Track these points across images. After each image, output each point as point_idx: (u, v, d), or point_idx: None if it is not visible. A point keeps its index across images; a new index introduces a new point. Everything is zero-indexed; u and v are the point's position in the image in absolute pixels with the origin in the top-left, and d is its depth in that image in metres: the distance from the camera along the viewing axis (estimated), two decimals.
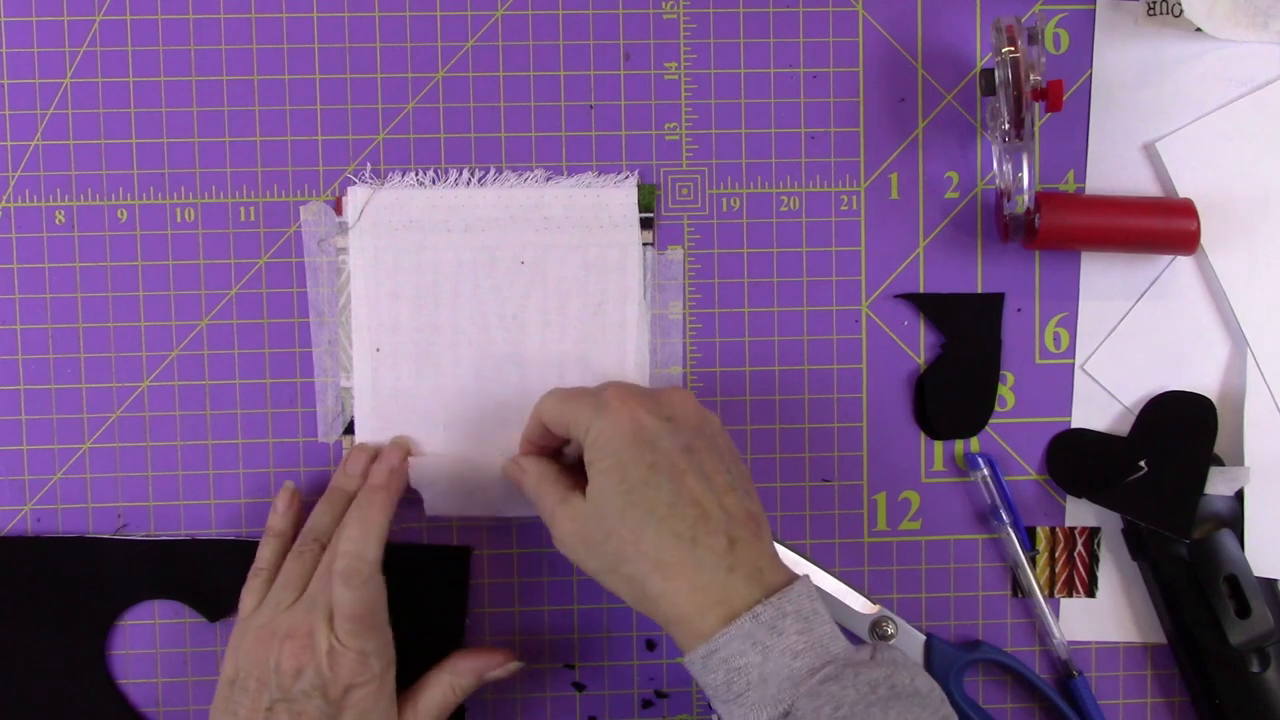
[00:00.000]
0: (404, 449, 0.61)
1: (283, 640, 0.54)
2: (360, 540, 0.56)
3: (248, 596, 0.58)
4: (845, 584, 0.62)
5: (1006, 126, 0.59)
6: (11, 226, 0.61)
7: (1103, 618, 0.64)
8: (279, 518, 0.60)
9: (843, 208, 0.63)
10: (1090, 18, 0.64)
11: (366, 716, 0.55)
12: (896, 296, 0.64)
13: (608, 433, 0.52)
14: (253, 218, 0.62)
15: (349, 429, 0.62)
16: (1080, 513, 0.64)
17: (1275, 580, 0.63)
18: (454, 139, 0.62)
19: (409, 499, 0.62)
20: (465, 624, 0.63)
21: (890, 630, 0.62)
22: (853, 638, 0.63)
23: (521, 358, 0.62)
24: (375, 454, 0.61)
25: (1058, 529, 0.64)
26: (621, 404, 0.52)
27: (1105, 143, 0.64)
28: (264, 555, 0.59)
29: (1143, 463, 0.62)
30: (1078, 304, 0.64)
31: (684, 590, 0.50)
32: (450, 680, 0.58)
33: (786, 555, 0.62)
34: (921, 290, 0.64)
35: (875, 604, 0.62)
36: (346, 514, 0.58)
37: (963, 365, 0.63)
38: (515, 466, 0.58)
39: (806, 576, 0.51)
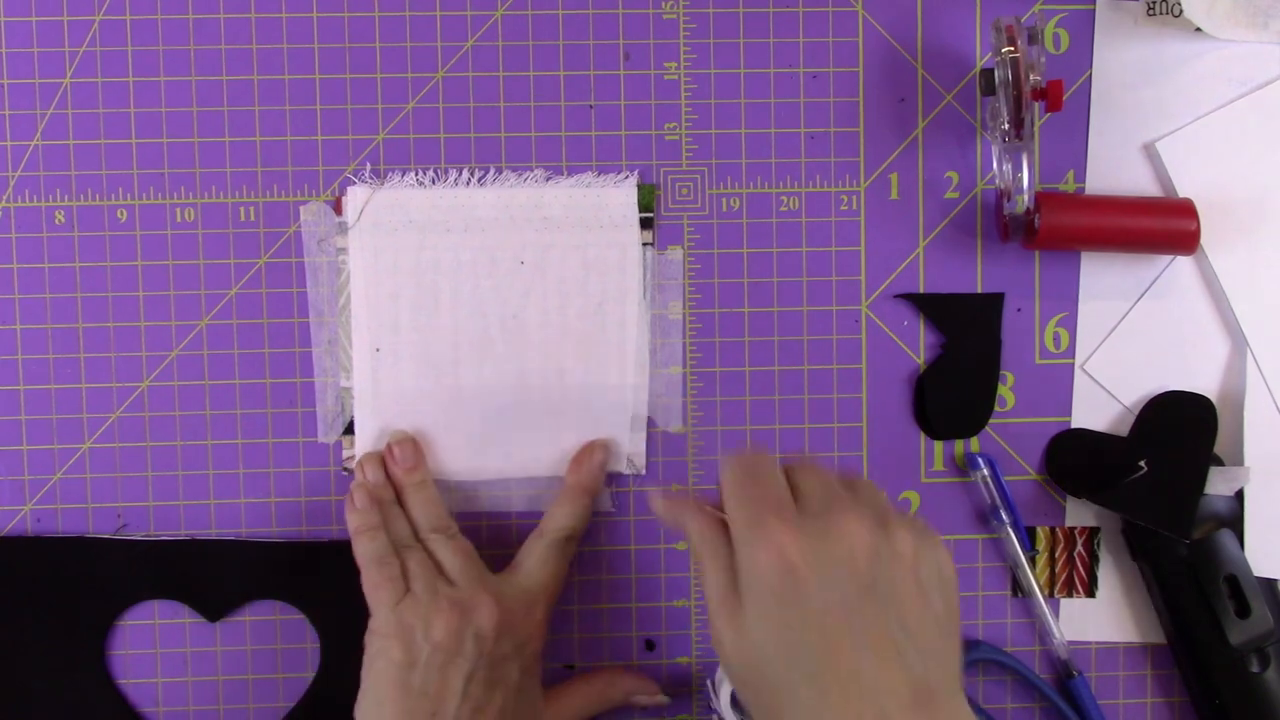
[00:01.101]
0: (411, 443, 0.61)
1: (477, 607, 0.54)
2: (576, 515, 0.60)
3: (390, 585, 0.56)
4: None
5: (1006, 126, 0.59)
6: (11, 226, 0.61)
7: (1103, 618, 0.64)
8: (367, 515, 0.58)
9: (843, 208, 0.63)
10: (1090, 18, 0.64)
11: (530, 691, 0.56)
12: (896, 296, 0.64)
13: (753, 569, 0.44)
14: (253, 218, 0.62)
15: (349, 429, 0.62)
16: (1080, 513, 0.64)
17: (1275, 580, 0.63)
18: (454, 139, 0.62)
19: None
20: None
21: None
22: None
23: (521, 358, 0.62)
24: (380, 456, 0.61)
25: (1058, 529, 0.64)
26: (769, 539, 0.44)
27: (1105, 143, 0.64)
28: (378, 548, 0.57)
29: (1143, 463, 0.62)
30: (1078, 304, 0.64)
31: None
32: (602, 689, 0.60)
33: None
34: (921, 290, 0.64)
35: None
36: (423, 504, 0.59)
37: (963, 365, 0.63)
38: (672, 510, 0.50)
39: (961, 700, 0.44)
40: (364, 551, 0.57)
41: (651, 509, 0.52)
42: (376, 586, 0.56)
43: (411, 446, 0.61)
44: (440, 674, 0.53)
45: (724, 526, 0.47)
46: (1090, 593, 0.64)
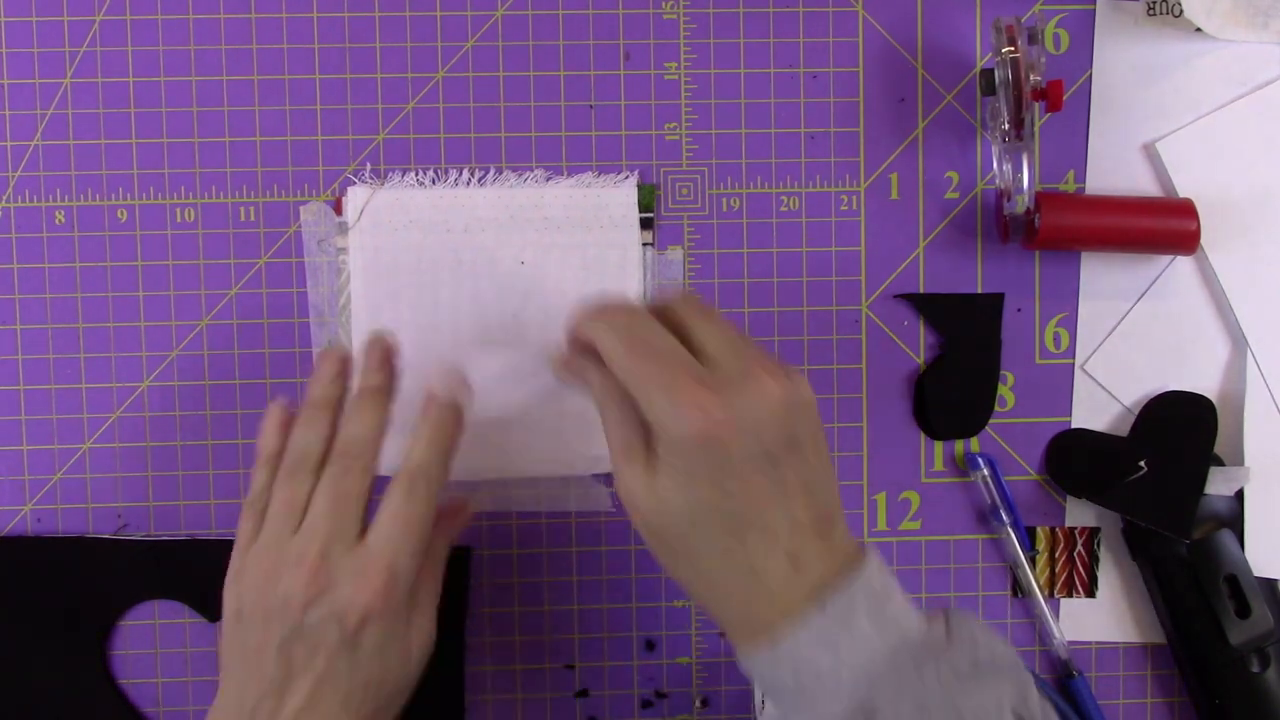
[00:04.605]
0: (384, 345, 0.56)
1: (292, 568, 0.50)
2: (427, 449, 0.52)
3: (244, 524, 0.53)
4: None
5: (1006, 126, 0.59)
6: (11, 226, 0.61)
7: (1103, 618, 0.64)
8: (273, 439, 0.54)
9: (843, 208, 0.63)
10: (1090, 18, 0.64)
11: (385, 649, 0.50)
12: (896, 296, 0.64)
13: (673, 433, 0.45)
14: (253, 218, 0.62)
15: None
16: (1080, 513, 0.64)
17: (1275, 580, 0.63)
18: (454, 139, 0.62)
19: None
20: (466, 624, 0.63)
21: None
22: None
23: (521, 358, 0.62)
24: (347, 356, 0.56)
25: (1058, 529, 0.64)
26: (695, 404, 0.45)
27: (1105, 143, 0.64)
28: (259, 481, 0.53)
29: (1143, 463, 0.62)
30: (1078, 304, 0.64)
31: (737, 606, 0.47)
32: (429, 553, 0.53)
33: None
34: (921, 290, 0.64)
35: None
36: (357, 413, 0.53)
37: (963, 365, 0.63)
38: (571, 375, 0.51)
39: (874, 552, 0.47)
40: (252, 481, 0.54)
41: (552, 371, 0.52)
42: (239, 523, 0.53)
43: (380, 352, 0.55)
44: (259, 633, 0.50)
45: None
46: (1090, 593, 0.64)
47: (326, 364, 0.55)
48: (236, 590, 0.52)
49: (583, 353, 0.51)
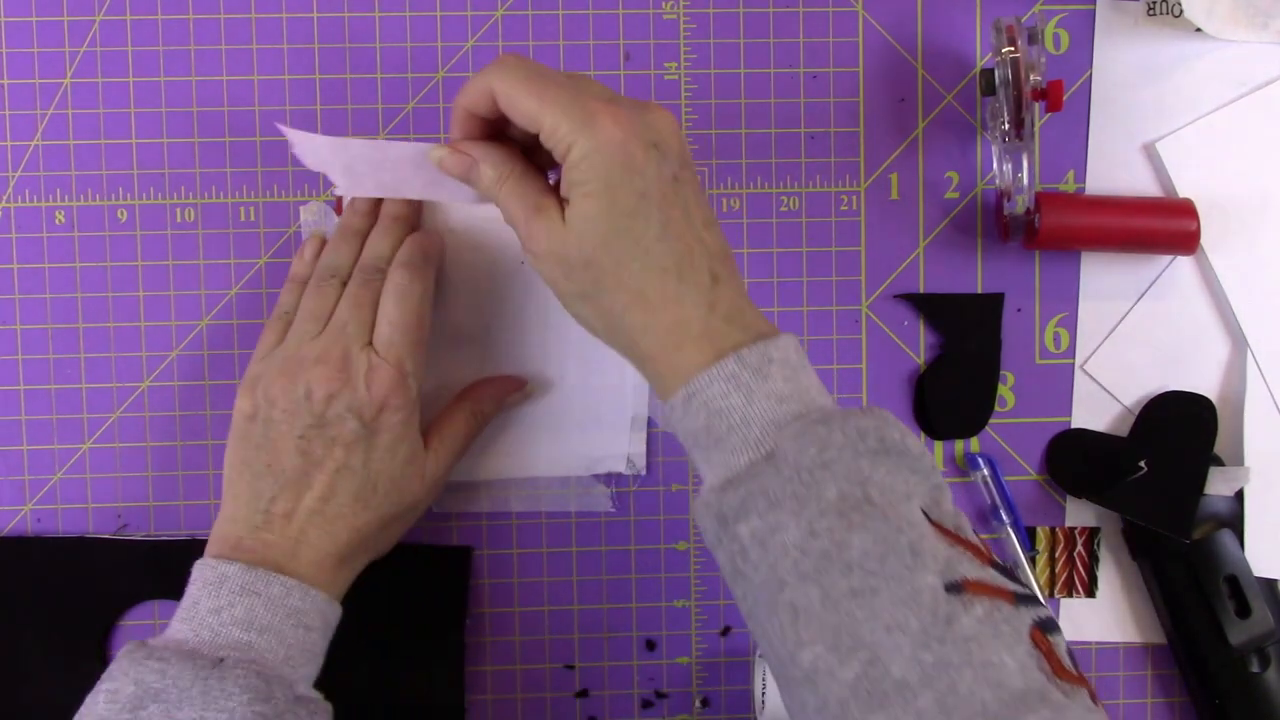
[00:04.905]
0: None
1: (313, 366, 0.53)
2: (411, 249, 0.56)
3: (268, 334, 0.57)
4: None
5: (1006, 126, 0.59)
6: (11, 226, 0.61)
7: (1103, 618, 0.64)
8: (305, 265, 0.59)
9: (843, 208, 0.63)
10: (1090, 18, 0.64)
11: (397, 445, 0.54)
12: (896, 296, 0.64)
13: (597, 155, 0.47)
14: (253, 218, 0.62)
15: None
16: (1080, 513, 0.64)
17: (1275, 580, 0.63)
18: None
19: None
20: (465, 624, 0.63)
21: None
22: None
23: (521, 358, 0.62)
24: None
25: (1058, 529, 0.64)
26: (613, 123, 0.47)
27: (1105, 143, 0.64)
28: (286, 299, 0.58)
29: (1143, 463, 0.62)
30: (1078, 304, 0.64)
31: (665, 324, 0.48)
32: (471, 408, 0.59)
33: None
34: (921, 290, 0.64)
35: None
36: (379, 234, 0.57)
37: (963, 365, 0.63)
38: (462, 157, 0.52)
39: (791, 333, 0.49)
40: (280, 299, 0.58)
41: (443, 169, 0.53)
42: (261, 334, 0.57)
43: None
44: (278, 429, 0.53)
45: (516, 148, 0.51)
46: (1090, 593, 0.64)
47: (359, 200, 0.59)
48: (252, 394, 0.55)
49: (470, 139, 0.52)
